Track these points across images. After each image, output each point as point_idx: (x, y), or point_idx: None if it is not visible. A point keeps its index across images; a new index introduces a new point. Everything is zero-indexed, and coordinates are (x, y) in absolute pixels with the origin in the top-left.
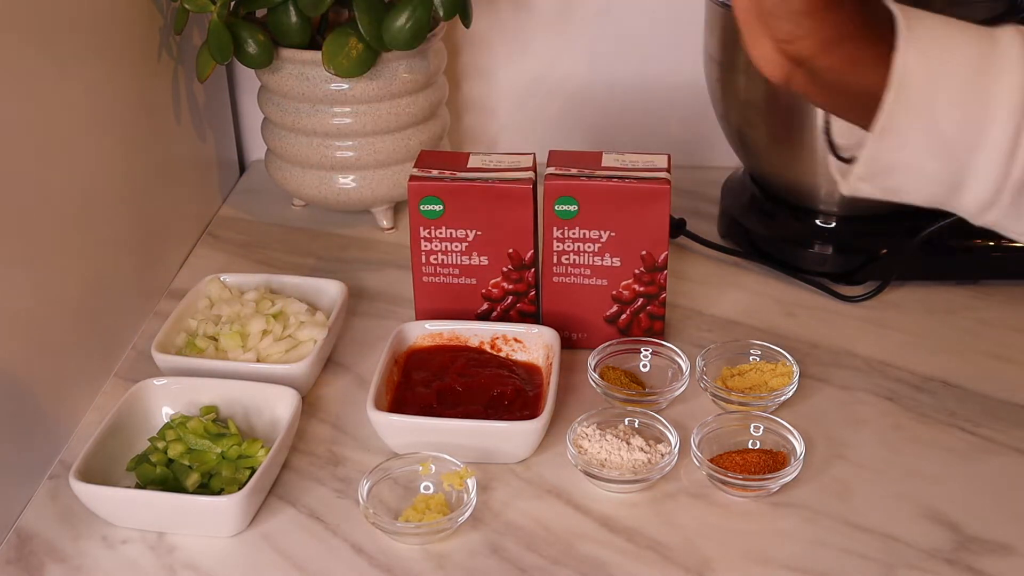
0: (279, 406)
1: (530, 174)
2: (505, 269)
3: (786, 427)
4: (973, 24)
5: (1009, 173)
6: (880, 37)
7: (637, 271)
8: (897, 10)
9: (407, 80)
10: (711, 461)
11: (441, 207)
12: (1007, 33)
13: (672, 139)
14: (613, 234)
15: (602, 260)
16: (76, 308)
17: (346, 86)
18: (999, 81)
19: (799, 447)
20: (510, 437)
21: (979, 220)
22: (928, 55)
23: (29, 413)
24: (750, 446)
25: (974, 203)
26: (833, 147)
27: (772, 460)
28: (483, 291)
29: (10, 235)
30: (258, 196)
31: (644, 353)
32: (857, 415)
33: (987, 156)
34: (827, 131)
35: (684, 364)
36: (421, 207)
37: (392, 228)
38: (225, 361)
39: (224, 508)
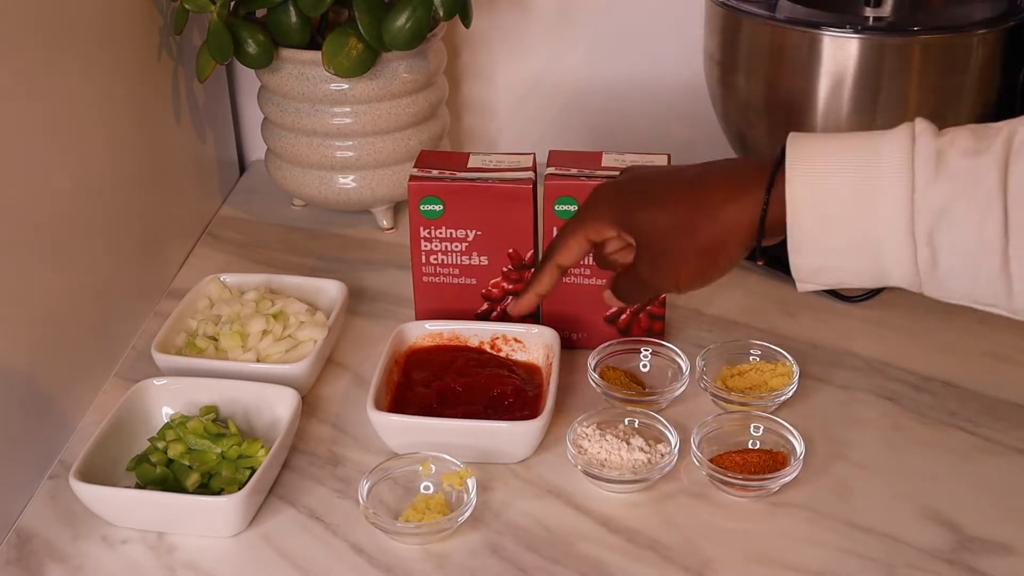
0: (279, 406)
1: (530, 174)
2: (505, 269)
3: (786, 427)
4: (863, 134)
5: (915, 260)
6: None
7: None
8: (788, 141)
9: (407, 80)
10: (711, 461)
11: (441, 207)
12: (894, 139)
13: (672, 139)
14: None
15: None
16: (76, 308)
17: (346, 86)
18: (880, 187)
19: (799, 447)
20: (510, 437)
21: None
22: (811, 180)
23: (29, 413)
24: (750, 446)
25: (906, 284)
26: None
27: (772, 460)
28: (483, 291)
29: (9, 235)
30: (258, 196)
31: (644, 353)
32: (857, 415)
33: (892, 255)
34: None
35: (684, 364)
36: (421, 207)
37: (392, 228)
38: (225, 361)
39: (224, 508)
